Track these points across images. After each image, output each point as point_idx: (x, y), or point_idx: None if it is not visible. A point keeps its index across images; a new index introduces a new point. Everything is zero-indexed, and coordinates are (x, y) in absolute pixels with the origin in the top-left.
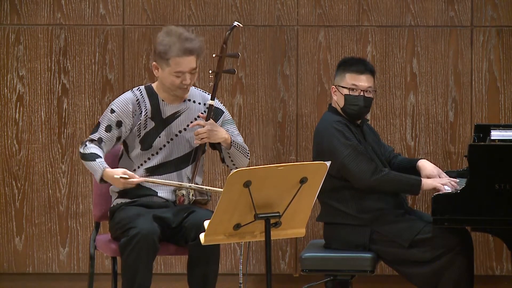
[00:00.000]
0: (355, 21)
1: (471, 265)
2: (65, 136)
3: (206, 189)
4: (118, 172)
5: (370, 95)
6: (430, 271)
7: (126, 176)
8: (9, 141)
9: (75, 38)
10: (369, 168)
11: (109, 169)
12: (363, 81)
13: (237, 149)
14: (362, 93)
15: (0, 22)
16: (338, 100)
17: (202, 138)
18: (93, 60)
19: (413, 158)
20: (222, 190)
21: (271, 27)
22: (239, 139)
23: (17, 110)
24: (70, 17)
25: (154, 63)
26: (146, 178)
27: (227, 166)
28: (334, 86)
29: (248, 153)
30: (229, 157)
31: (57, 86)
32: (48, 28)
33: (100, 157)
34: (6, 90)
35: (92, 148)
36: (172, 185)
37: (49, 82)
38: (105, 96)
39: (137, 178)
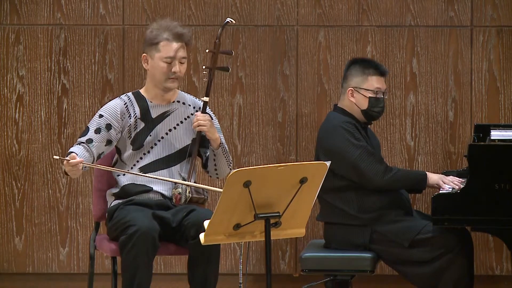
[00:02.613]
0: (355, 21)
1: (471, 265)
2: (65, 136)
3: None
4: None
5: (386, 97)
6: (430, 271)
7: (68, 158)
8: (9, 141)
9: (75, 38)
10: (380, 168)
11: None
12: (383, 84)
13: (223, 153)
14: (382, 96)
15: (0, 22)
16: (358, 103)
17: (201, 126)
18: (93, 60)
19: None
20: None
21: (271, 27)
22: (226, 147)
23: (17, 110)
24: (70, 17)
25: (144, 54)
26: (83, 161)
27: (207, 172)
28: (352, 89)
29: (231, 163)
30: (214, 159)
31: (57, 86)
32: (48, 28)
33: (72, 152)
34: (6, 90)
35: (72, 149)
36: (153, 178)
37: (49, 82)
38: (105, 96)
39: (74, 160)
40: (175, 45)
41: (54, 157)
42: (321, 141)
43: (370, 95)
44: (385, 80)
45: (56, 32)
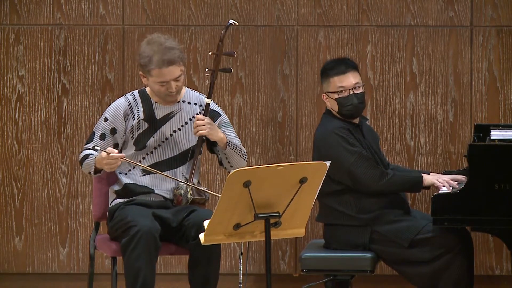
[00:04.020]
0: (355, 21)
1: (471, 265)
2: (65, 136)
3: (191, 185)
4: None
5: (360, 90)
6: (430, 271)
7: (108, 151)
8: (9, 141)
9: (75, 38)
10: (375, 173)
11: (99, 156)
12: (348, 80)
13: (234, 150)
14: (351, 92)
15: (0, 22)
16: (332, 106)
17: (200, 131)
18: (93, 60)
19: (413, 170)
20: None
21: (271, 27)
22: (237, 141)
23: (17, 110)
24: (70, 17)
25: (140, 72)
26: (126, 159)
27: (225, 168)
28: (324, 94)
29: (245, 155)
30: (226, 158)
31: (57, 86)
32: (48, 28)
33: (93, 154)
34: (6, 90)
35: (86, 151)
36: (159, 174)
37: (49, 82)
38: (105, 96)
39: (116, 154)
40: (166, 70)
41: (95, 147)
42: (316, 147)
43: (336, 96)
44: (353, 75)
45: (56, 32)
